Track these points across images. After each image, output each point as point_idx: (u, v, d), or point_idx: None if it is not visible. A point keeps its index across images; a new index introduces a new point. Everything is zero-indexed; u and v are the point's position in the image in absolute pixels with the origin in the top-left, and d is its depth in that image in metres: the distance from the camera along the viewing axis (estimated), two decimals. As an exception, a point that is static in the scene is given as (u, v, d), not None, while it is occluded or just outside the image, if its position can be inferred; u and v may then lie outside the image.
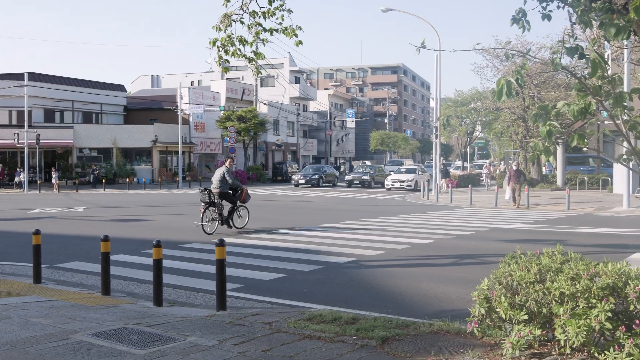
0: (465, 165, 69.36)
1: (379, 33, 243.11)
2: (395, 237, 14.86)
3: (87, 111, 51.73)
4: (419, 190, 36.13)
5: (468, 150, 75.86)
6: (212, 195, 16.04)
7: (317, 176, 45.58)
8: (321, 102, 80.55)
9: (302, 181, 45.05)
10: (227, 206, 16.55)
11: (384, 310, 7.68)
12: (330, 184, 47.13)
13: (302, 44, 7.84)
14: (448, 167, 45.79)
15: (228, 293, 8.10)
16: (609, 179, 34.17)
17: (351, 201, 30.11)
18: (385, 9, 36.23)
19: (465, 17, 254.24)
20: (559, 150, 37.32)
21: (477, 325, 5.19)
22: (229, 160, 16.86)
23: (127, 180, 42.78)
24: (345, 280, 9.86)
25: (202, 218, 15.82)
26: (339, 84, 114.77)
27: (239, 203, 16.63)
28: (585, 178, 36.26)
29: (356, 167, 55.64)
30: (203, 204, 15.97)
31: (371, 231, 16.33)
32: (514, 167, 26.82)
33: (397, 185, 40.38)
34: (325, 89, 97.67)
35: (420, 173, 42.48)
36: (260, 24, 7.77)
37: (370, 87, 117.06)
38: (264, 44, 8.21)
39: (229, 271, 9.40)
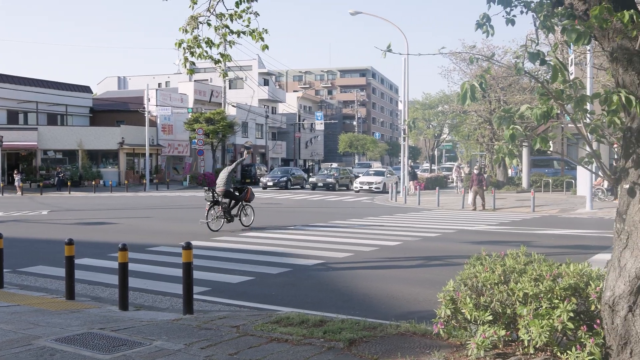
0: (432, 167, 69.95)
1: (347, 36, 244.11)
2: (363, 239, 14.92)
3: (52, 113, 50.86)
4: (388, 192, 36.32)
5: (436, 152, 76.58)
6: (215, 195, 16.85)
7: (285, 178, 45.42)
8: (290, 104, 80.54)
9: (270, 183, 44.76)
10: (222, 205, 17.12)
11: (351, 312, 7.70)
12: (298, 187, 47.09)
13: (268, 48, 7.84)
14: (416, 170, 46.14)
15: (195, 296, 8.05)
16: (573, 181, 34.78)
17: (320, 203, 30.14)
18: (353, 12, 36.42)
19: (433, 21, 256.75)
20: (525, 152, 37.88)
21: (443, 327, 5.24)
22: (233, 163, 18.20)
23: (93, 182, 42.22)
24: (313, 283, 9.87)
25: (207, 216, 16.65)
26: (307, 86, 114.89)
27: (244, 202, 17.51)
28: (550, 180, 36.88)
29: (321, 169, 55.50)
30: (208, 203, 16.80)
31: (339, 233, 16.37)
32: (475, 171, 26.96)
33: (366, 187, 40.55)
34: (294, 91, 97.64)
35: (388, 175, 42.63)
36: (227, 26, 7.73)
37: (339, 89, 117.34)
38: (231, 46, 8.19)
39: (197, 274, 9.33)
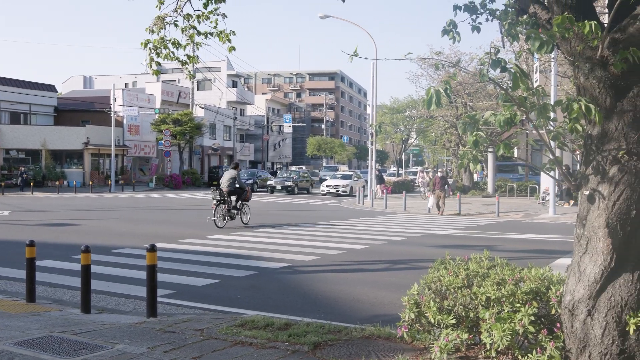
0: (400, 171, 70.41)
1: (317, 39, 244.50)
2: (330, 243, 14.94)
3: (15, 111, 49.86)
4: (355, 195, 36.44)
5: (403, 157, 77.07)
6: (222, 194, 18.37)
7: (251, 181, 45.04)
8: (259, 106, 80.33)
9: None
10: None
11: (317, 315, 7.71)
12: (265, 190, 46.91)
13: (235, 49, 7.79)
14: (383, 174, 46.40)
15: (160, 299, 7.97)
16: (537, 186, 35.38)
17: (287, 206, 30.10)
18: (323, 16, 36.50)
19: (403, 26, 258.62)
20: (490, 158, 38.42)
21: (407, 330, 5.28)
22: (238, 166, 19.74)
23: (57, 183, 41.49)
24: (279, 286, 9.84)
25: (214, 214, 18.25)
26: (276, 89, 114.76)
27: (241, 202, 19.04)
28: (515, 185, 37.45)
29: (280, 172, 54.72)
30: (214, 202, 18.39)
31: (306, 236, 16.37)
32: (439, 175, 26.99)
33: (333, 190, 40.59)
34: (263, 93, 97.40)
35: (355, 179, 42.73)
36: (194, 27, 7.68)
37: (308, 92, 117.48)
38: (198, 48, 8.14)
39: (162, 277, 9.24)
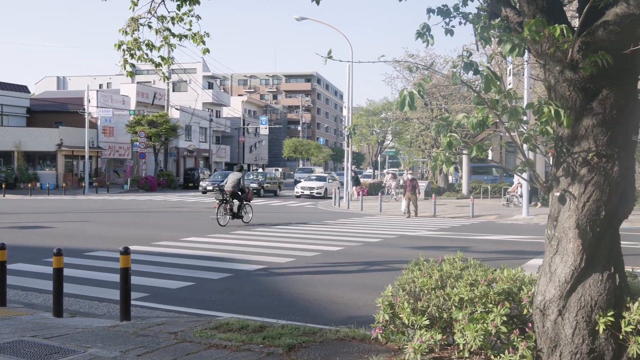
0: (376, 173, 70.63)
1: (293, 41, 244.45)
2: (305, 245, 14.94)
3: (-14, 112, 49.16)
4: (330, 197, 36.46)
5: (379, 158, 77.33)
6: (225, 194, 19.68)
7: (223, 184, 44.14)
8: (235, 108, 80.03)
9: (210, 188, 41.72)
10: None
11: (292, 317, 7.70)
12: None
13: (210, 51, 7.75)
14: (359, 175, 46.49)
15: (133, 302, 7.91)
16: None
17: (263, 208, 30.04)
18: (299, 18, 36.49)
19: (379, 29, 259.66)
20: (464, 160, 38.74)
21: (381, 331, 5.30)
22: (242, 169, 21.44)
23: (30, 185, 40.87)
24: (254, 288, 9.82)
25: (217, 213, 19.36)
26: (252, 90, 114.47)
27: (244, 202, 20.27)
28: (489, 187, 37.81)
29: (246, 173, 53.34)
30: (217, 201, 19.65)
31: (282, 238, 16.35)
32: (409, 177, 26.79)
33: (307, 192, 40.42)
34: (239, 95, 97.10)
35: (330, 181, 42.61)
36: (168, 29, 7.64)
37: (284, 94, 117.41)
38: (172, 49, 8.10)
39: (136, 280, 9.17)
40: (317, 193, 40.13)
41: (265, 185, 42.59)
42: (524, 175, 8.23)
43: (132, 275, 7.86)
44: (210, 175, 49.10)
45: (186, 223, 20.97)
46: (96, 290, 9.48)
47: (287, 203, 34.74)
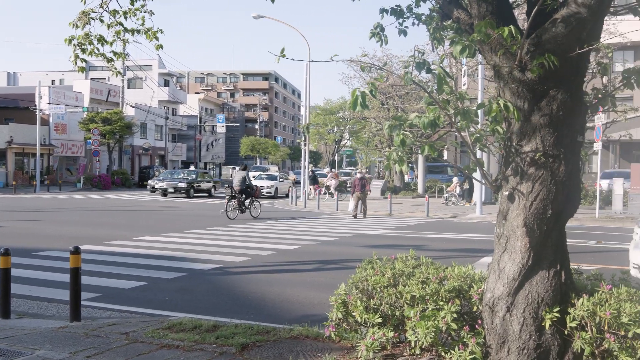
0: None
1: (251, 39, 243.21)
2: (261, 243, 14.89)
3: None
4: (281, 197, 36.00)
5: (336, 158, 77.61)
6: (233, 191, 22.21)
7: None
8: (191, 106, 79.17)
9: (157, 187, 38.64)
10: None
11: (247, 317, 7.66)
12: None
13: (163, 47, 7.65)
14: (316, 174, 46.52)
15: (84, 303, 7.77)
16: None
17: (219, 207, 29.83)
18: (256, 16, 36.31)
19: (338, 27, 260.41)
20: (420, 159, 39.16)
21: (334, 330, 5.32)
22: (246, 168, 23.77)
23: (-23, 183, 39.74)
24: (209, 288, 9.74)
25: (226, 207, 22.06)
26: (210, 88, 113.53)
27: (253, 198, 22.86)
28: (444, 186, 38.26)
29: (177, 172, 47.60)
30: (227, 197, 22.28)
31: (238, 237, 16.26)
32: (358, 176, 25.73)
33: None
34: (196, 93, 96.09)
35: (280, 180, 41.19)
36: (121, 24, 7.51)
37: (242, 92, 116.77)
38: (125, 45, 7.97)
39: (88, 280, 9.01)
40: (267, 192, 38.01)
41: (195, 184, 38.87)
42: (476, 174, 8.37)
43: (84, 275, 7.72)
44: (160, 174, 46.23)
45: (141, 222, 20.68)
46: (46, 291, 9.27)
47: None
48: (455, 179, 34.43)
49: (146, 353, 5.52)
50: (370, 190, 26.61)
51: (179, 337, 5.97)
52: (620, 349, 4.23)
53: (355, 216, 24.57)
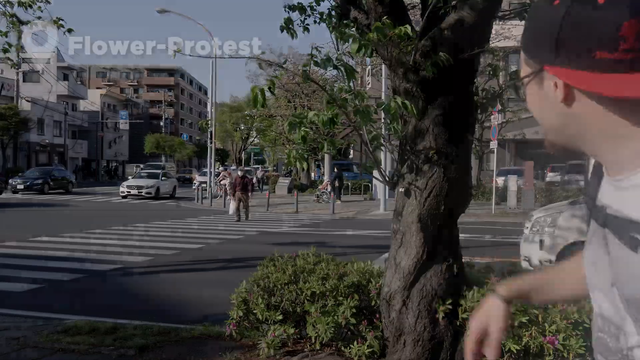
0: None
1: (156, 34, 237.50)
2: (164, 243, 14.61)
3: None
4: (161, 198, 35.07)
5: (243, 155, 77.15)
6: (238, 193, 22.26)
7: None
8: (93, 101, 76.45)
9: (22, 187, 36.81)
10: None
11: (149, 318, 7.49)
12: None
13: (71, 32, 7.30)
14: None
15: (-29, 308, 7.36)
16: (370, 184, 36.97)
17: (124, 206, 29.01)
18: (160, 10, 35.50)
19: (245, 25, 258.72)
20: (326, 157, 39.60)
21: (235, 328, 5.30)
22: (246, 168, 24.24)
23: None
24: (108, 289, 9.48)
25: (235, 209, 21.96)
26: (112, 84, 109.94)
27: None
28: (349, 184, 38.84)
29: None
30: (235, 199, 22.25)
31: (140, 237, 15.88)
32: (239, 174, 23.33)
33: (135, 191, 34.77)
34: (98, 88, 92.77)
35: (163, 179, 37.50)
36: (15, 15, 7.17)
37: (146, 88, 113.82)
38: (20, 35, 7.61)
39: (-26, 284, 8.54)
40: (147, 193, 34.57)
41: (52, 183, 37.68)
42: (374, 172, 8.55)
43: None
44: (24, 172, 43.31)
45: (38, 222, 19.79)
46: None
47: (150, 201, 33.69)
48: (326, 178, 35.24)
49: (38, 359, 5.30)
50: (252, 192, 23.91)
51: (75, 341, 5.76)
52: (507, 337, 4.44)
53: (238, 219, 21.52)
